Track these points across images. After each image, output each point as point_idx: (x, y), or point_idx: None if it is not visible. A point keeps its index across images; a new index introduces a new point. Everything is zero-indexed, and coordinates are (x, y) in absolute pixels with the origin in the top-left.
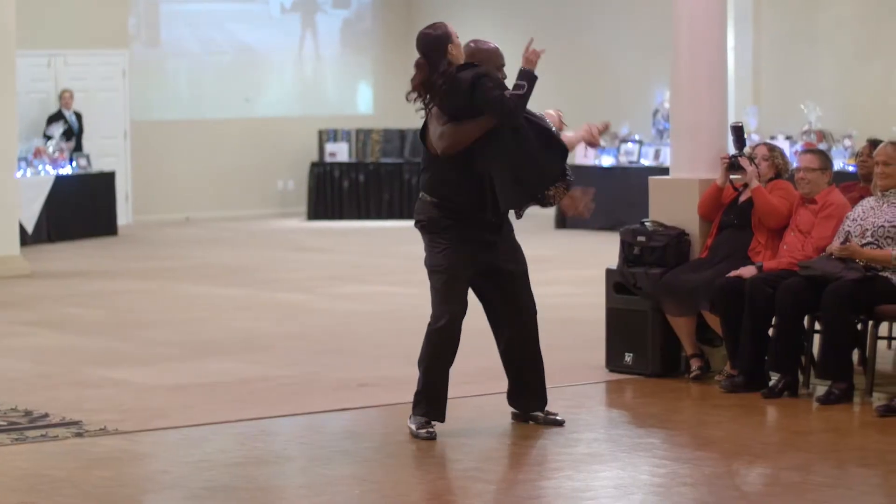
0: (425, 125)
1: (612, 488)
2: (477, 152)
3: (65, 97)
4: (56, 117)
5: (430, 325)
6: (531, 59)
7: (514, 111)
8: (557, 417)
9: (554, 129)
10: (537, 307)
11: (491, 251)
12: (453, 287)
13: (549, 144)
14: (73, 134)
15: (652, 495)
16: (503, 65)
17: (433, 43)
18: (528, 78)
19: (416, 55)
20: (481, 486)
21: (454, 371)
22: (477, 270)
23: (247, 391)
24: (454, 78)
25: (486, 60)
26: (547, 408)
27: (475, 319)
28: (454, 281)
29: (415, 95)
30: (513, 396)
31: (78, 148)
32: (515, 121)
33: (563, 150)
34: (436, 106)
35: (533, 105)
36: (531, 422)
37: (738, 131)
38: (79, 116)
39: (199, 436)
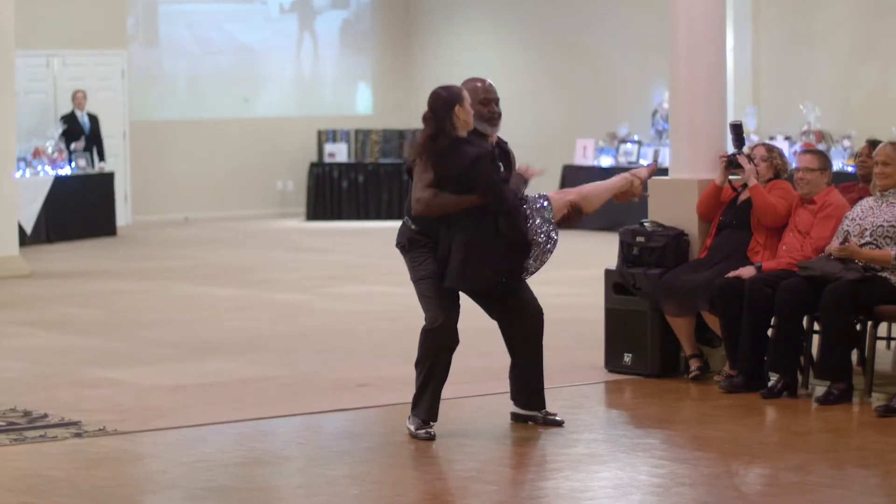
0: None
1: (611, 489)
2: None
3: (78, 98)
4: (69, 118)
5: (424, 327)
6: (526, 175)
7: (505, 201)
8: (556, 418)
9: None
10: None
11: None
12: (443, 291)
13: (519, 246)
14: (84, 134)
15: (651, 495)
16: (489, 100)
17: (442, 101)
18: (521, 182)
19: (415, 55)
20: (480, 487)
21: (454, 371)
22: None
23: (245, 391)
24: (458, 145)
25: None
26: (546, 408)
27: (475, 319)
28: (441, 284)
29: (420, 149)
30: (513, 394)
31: (88, 148)
32: (501, 208)
33: (525, 251)
34: (429, 163)
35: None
36: (530, 422)
37: (737, 129)
38: (93, 118)
39: (198, 436)
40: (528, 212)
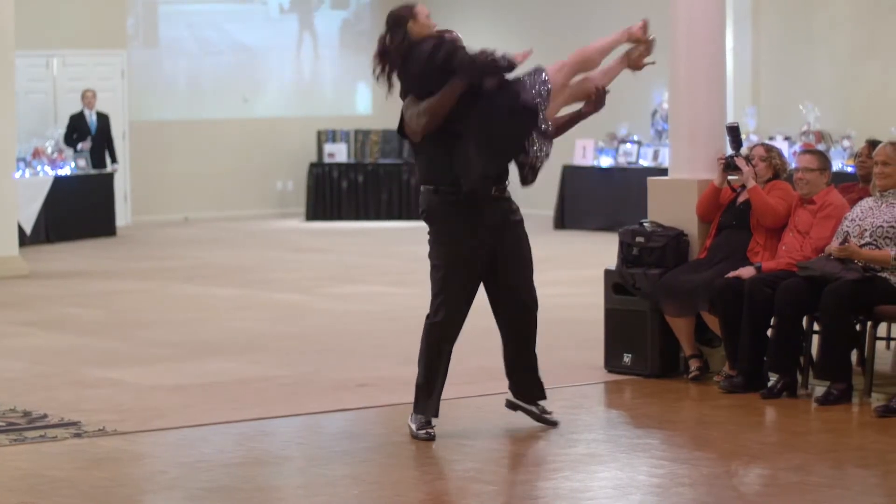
0: (402, 120)
1: (610, 489)
2: (454, 129)
3: (87, 97)
4: (77, 117)
5: (427, 318)
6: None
7: (474, 66)
8: (552, 418)
9: (526, 85)
10: (538, 306)
11: (494, 237)
12: (452, 283)
13: (514, 110)
14: (90, 134)
15: (650, 496)
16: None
17: (393, 18)
18: (505, 64)
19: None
20: (480, 487)
21: (454, 371)
22: (481, 263)
23: (245, 391)
24: (412, 46)
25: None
26: (544, 405)
27: (476, 319)
28: (453, 277)
29: (378, 70)
30: (511, 386)
31: (97, 148)
32: (474, 73)
33: (530, 114)
34: (399, 79)
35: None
36: (519, 410)
37: (734, 131)
38: (102, 117)
39: (198, 436)
40: (529, 83)
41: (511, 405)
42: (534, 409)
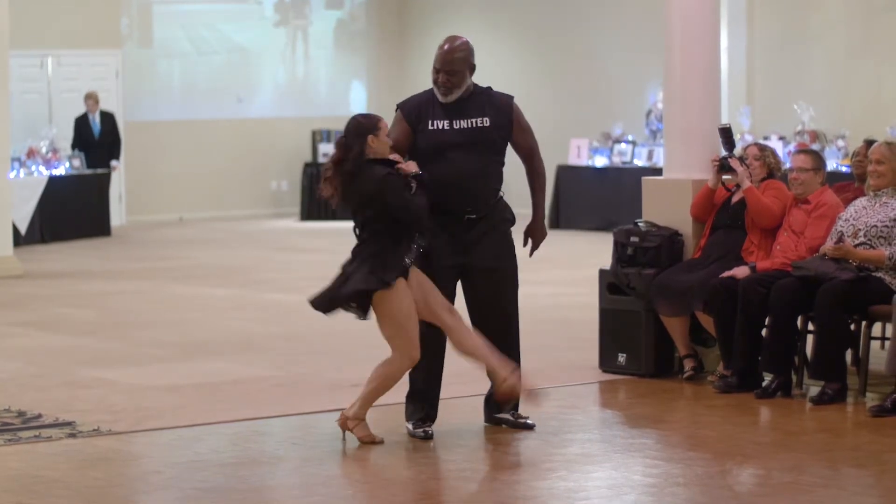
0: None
1: (605, 489)
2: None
3: (89, 104)
4: (81, 121)
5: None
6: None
7: (419, 218)
8: (528, 421)
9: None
10: (532, 308)
11: (465, 252)
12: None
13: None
14: (94, 137)
15: (645, 496)
16: (436, 69)
17: (354, 129)
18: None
19: (409, 55)
20: (475, 487)
21: (451, 371)
22: (455, 270)
23: (240, 391)
24: (364, 166)
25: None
26: (519, 410)
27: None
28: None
29: (328, 174)
30: (488, 398)
31: (103, 148)
32: (420, 226)
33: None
34: (337, 187)
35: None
36: (503, 425)
37: (727, 133)
38: (106, 116)
39: (192, 436)
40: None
41: (489, 419)
42: (507, 416)
